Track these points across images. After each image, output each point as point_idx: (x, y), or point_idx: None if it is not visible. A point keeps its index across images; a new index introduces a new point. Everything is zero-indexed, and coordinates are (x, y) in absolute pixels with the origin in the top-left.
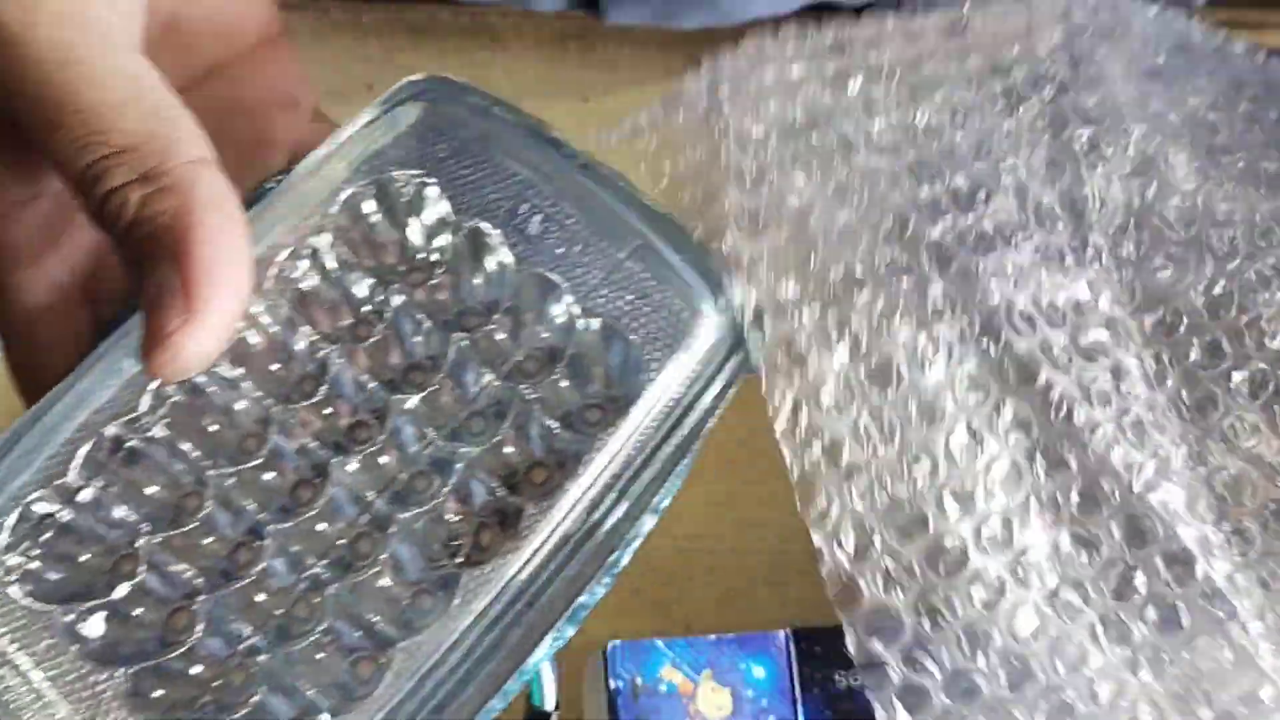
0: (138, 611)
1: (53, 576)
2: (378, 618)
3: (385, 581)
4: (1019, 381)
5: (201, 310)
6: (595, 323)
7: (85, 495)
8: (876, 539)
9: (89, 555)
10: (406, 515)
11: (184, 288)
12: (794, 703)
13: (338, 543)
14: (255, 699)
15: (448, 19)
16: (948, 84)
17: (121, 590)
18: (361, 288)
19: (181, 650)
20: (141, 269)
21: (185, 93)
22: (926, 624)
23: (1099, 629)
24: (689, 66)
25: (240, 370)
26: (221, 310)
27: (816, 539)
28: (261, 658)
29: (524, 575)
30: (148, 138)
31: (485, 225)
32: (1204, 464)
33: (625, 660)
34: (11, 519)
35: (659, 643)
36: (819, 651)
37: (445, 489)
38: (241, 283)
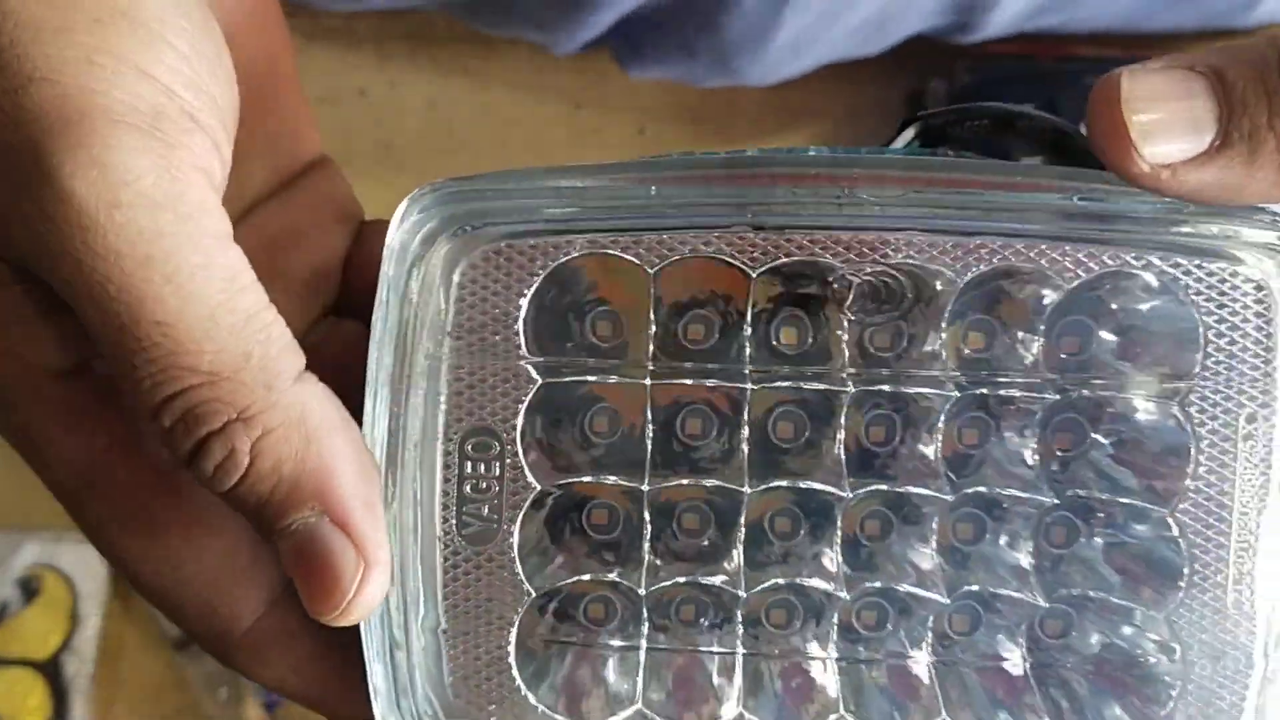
0: None
1: None
2: None
3: None
4: None
5: (374, 557)
6: None
7: None
8: None
9: None
10: None
11: (350, 538)
12: None
13: None
14: None
15: (441, 26)
16: None
17: None
18: None
19: None
20: (273, 521)
21: (239, 226)
22: None
23: None
24: None
25: None
26: (387, 545)
27: None
28: None
29: None
30: (243, 361)
31: None
32: None
33: None
34: None
35: None
36: None
37: None
38: (380, 507)
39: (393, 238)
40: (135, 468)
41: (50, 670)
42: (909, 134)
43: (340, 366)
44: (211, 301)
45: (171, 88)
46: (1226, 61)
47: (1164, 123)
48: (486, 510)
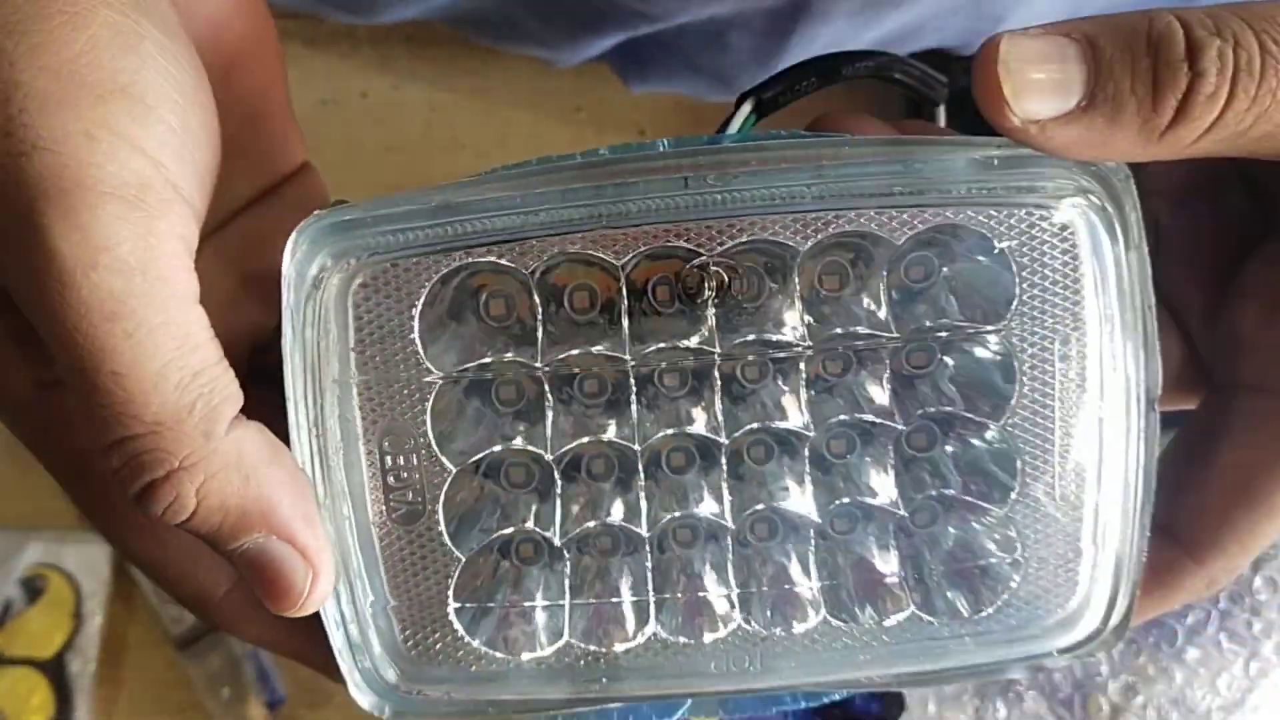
0: None
1: None
2: None
3: None
4: None
5: (319, 561)
6: None
7: None
8: None
9: None
10: None
11: (296, 549)
12: (784, 711)
13: None
14: None
15: (442, 29)
16: None
17: None
18: None
19: None
20: (225, 544)
21: (220, 233)
22: None
23: None
24: None
25: None
26: (329, 548)
27: None
28: None
29: None
30: (185, 412)
31: None
32: None
33: None
34: None
35: None
36: None
37: None
38: (319, 518)
39: (288, 267)
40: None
41: (53, 669)
42: (745, 109)
43: None
44: (164, 358)
45: (159, 160)
46: (1100, 29)
47: (1035, 83)
48: (411, 495)
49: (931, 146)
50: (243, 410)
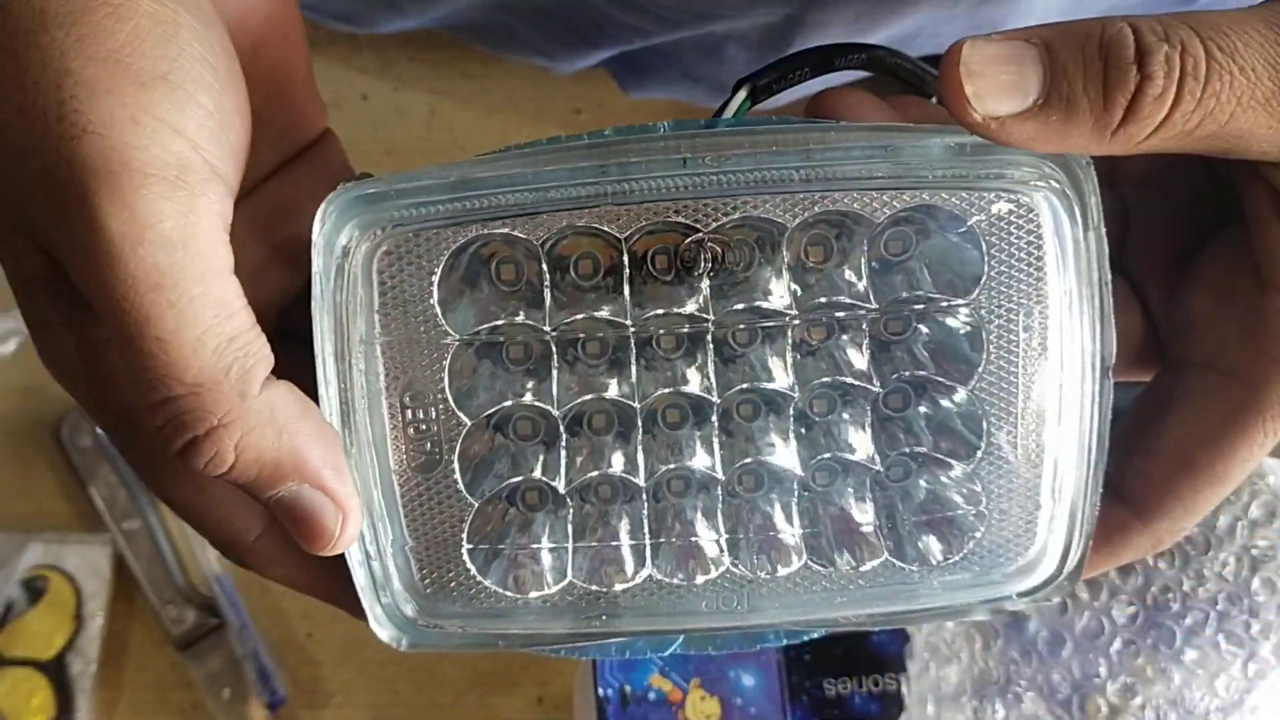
0: None
1: None
2: None
3: None
4: None
5: (348, 506)
6: None
7: None
8: None
9: None
10: None
11: (328, 494)
12: (783, 710)
13: None
14: None
15: (442, 33)
16: None
17: None
18: None
19: None
20: (262, 493)
21: (245, 201)
22: None
23: None
24: None
25: None
26: (356, 495)
27: None
28: None
29: None
30: (223, 375)
31: None
32: None
33: (614, 668)
34: None
35: None
36: (808, 659)
37: None
38: (346, 467)
39: (317, 236)
40: None
41: (54, 670)
42: (740, 95)
43: None
44: (203, 325)
45: (198, 142)
46: (1056, 34)
47: (994, 83)
48: (429, 446)
49: (910, 133)
50: (272, 370)
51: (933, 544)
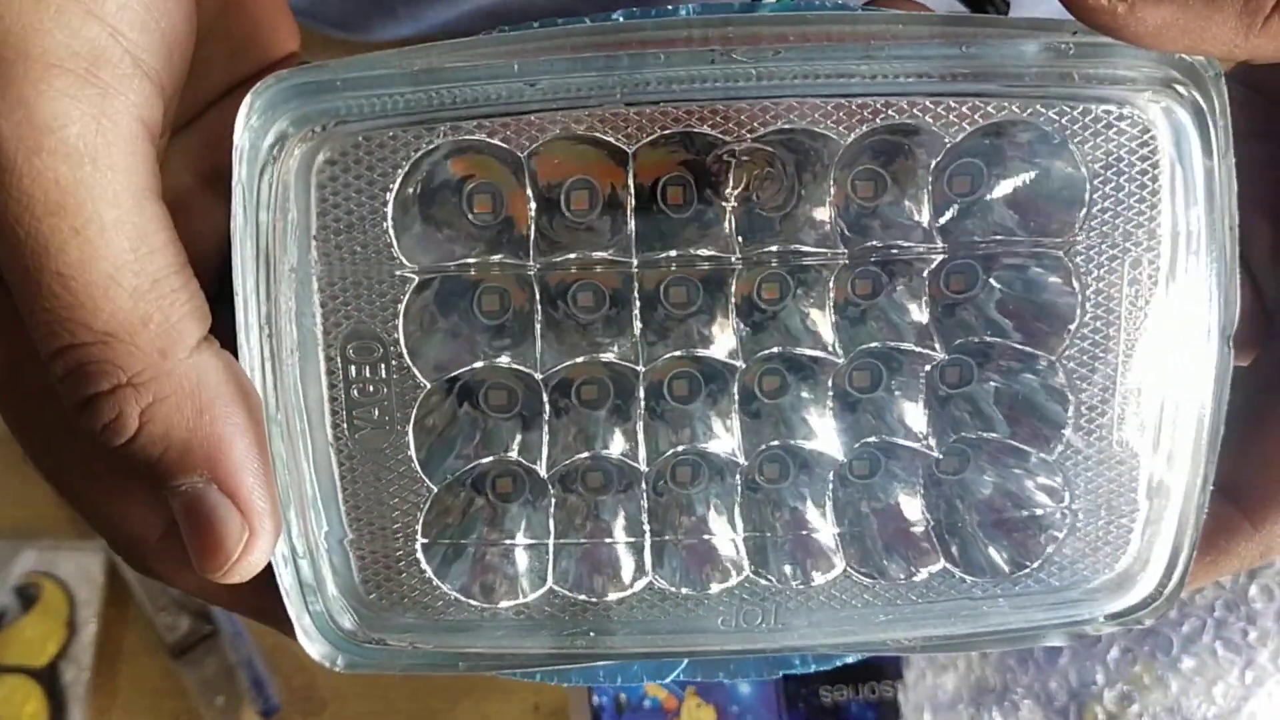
0: None
1: None
2: None
3: None
4: None
5: (259, 525)
6: None
7: None
8: None
9: None
10: None
11: (238, 505)
12: (780, 718)
13: None
14: None
15: (438, 39)
16: None
17: None
18: None
19: None
20: (162, 480)
21: (188, 129)
22: None
23: None
24: None
25: None
26: (275, 515)
27: None
28: None
29: None
30: (140, 325)
31: None
32: None
33: None
34: None
35: None
36: None
37: None
38: (271, 476)
39: (240, 137)
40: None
41: (47, 678)
42: None
43: None
44: (117, 260)
45: (118, 28)
46: None
47: None
48: (377, 413)
49: (998, 28)
50: (211, 331)
51: (1001, 550)
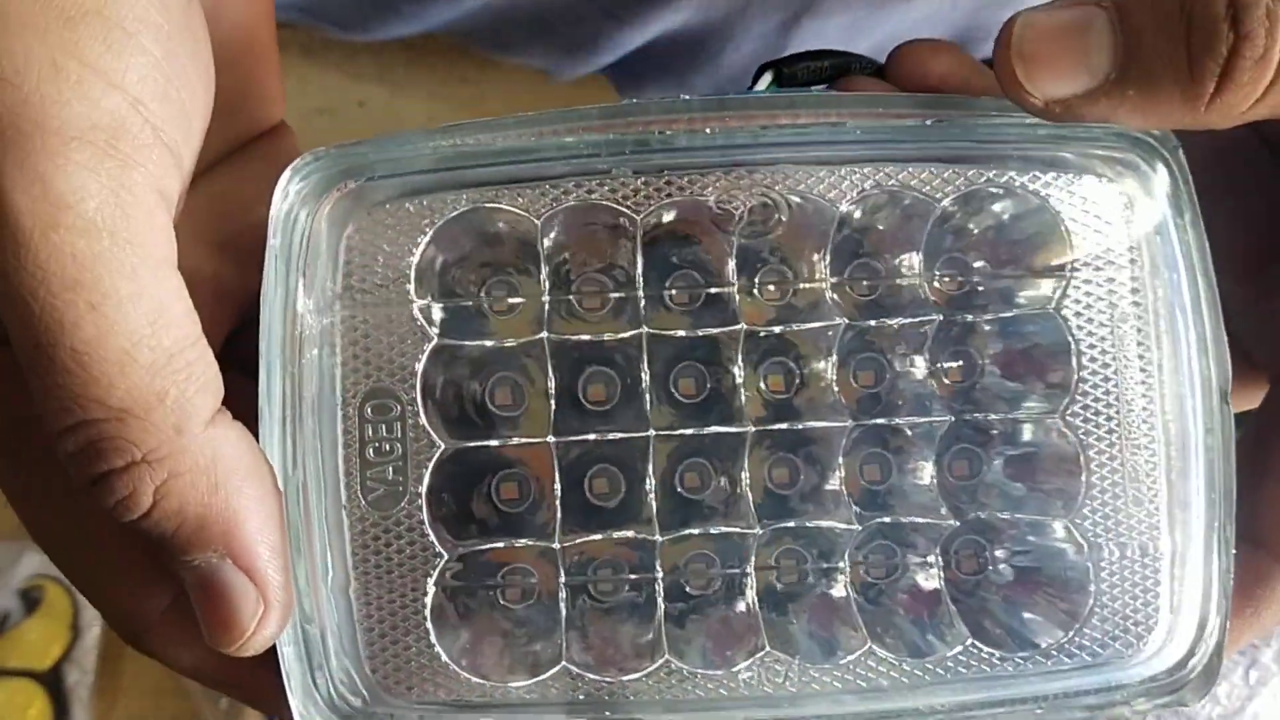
0: None
1: None
2: None
3: None
4: None
5: (274, 599)
6: None
7: None
8: None
9: None
10: None
11: (253, 580)
12: None
13: None
14: None
15: (440, 37)
16: None
17: None
18: None
19: None
20: (175, 556)
21: (189, 190)
22: None
23: None
24: None
25: None
26: (289, 589)
27: None
28: None
29: None
30: (156, 400)
31: None
32: None
33: None
34: None
35: None
36: None
37: None
38: (287, 550)
39: (278, 206)
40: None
41: (51, 681)
42: (767, 78)
43: None
44: (134, 335)
45: (139, 98)
46: None
47: (1052, 66)
48: (391, 473)
49: (968, 107)
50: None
51: (1026, 623)
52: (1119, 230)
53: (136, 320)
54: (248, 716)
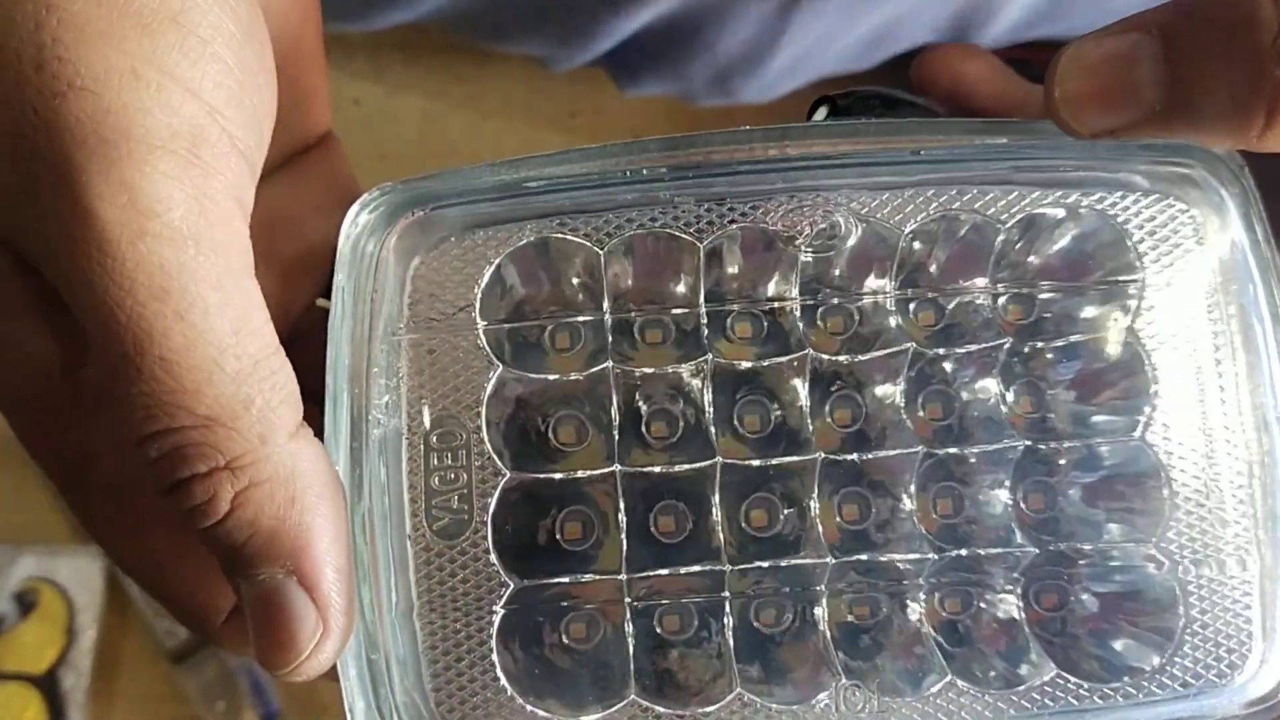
0: None
1: None
2: None
3: None
4: None
5: (334, 624)
6: None
7: None
8: None
9: None
10: None
11: (315, 601)
12: None
13: None
14: None
15: (436, 35)
16: None
17: None
18: None
19: None
20: (242, 568)
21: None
22: None
23: None
24: None
25: None
26: (350, 614)
27: None
28: None
29: None
30: (242, 409)
31: None
32: None
33: None
34: None
35: None
36: None
37: None
38: (351, 574)
39: (345, 240)
40: (125, 467)
41: (46, 684)
42: (822, 112)
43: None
44: (220, 343)
45: (215, 106)
46: (1175, 17)
47: (1095, 102)
48: (456, 501)
49: (1035, 129)
50: None
51: (1117, 650)
52: (1188, 246)
53: (222, 329)
54: (245, 718)
